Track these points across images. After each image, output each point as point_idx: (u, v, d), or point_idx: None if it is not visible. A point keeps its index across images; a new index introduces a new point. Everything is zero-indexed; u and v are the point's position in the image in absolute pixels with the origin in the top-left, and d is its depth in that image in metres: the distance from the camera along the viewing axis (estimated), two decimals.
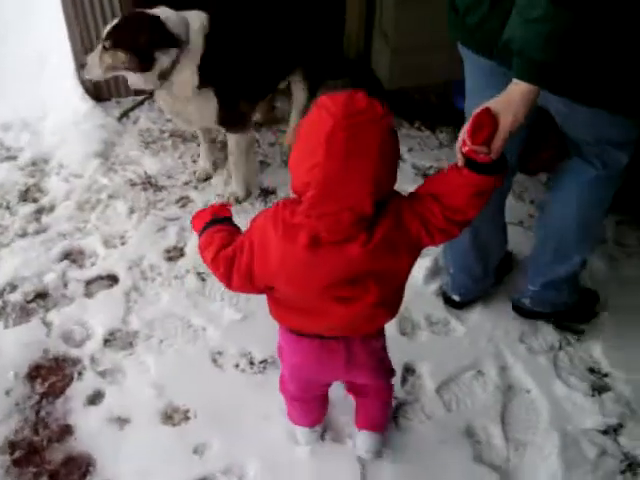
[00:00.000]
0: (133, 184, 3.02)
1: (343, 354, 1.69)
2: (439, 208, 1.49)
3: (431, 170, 3.10)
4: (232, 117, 2.71)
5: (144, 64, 2.41)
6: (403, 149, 3.14)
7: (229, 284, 1.61)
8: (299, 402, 1.95)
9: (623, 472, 2.03)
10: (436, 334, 2.39)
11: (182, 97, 2.56)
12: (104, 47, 2.41)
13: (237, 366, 2.26)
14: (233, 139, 2.81)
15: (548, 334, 2.39)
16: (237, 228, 1.69)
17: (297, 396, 1.93)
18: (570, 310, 2.41)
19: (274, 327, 1.76)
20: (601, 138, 1.92)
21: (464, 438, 2.08)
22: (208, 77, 2.52)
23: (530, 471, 2.02)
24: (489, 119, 1.46)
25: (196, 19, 2.51)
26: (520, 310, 2.44)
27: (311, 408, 1.98)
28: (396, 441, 2.05)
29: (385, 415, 2.01)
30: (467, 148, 1.46)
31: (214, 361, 2.28)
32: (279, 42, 2.77)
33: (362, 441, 2.00)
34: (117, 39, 2.39)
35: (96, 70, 2.46)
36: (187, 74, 2.49)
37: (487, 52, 1.79)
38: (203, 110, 2.63)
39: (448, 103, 3.39)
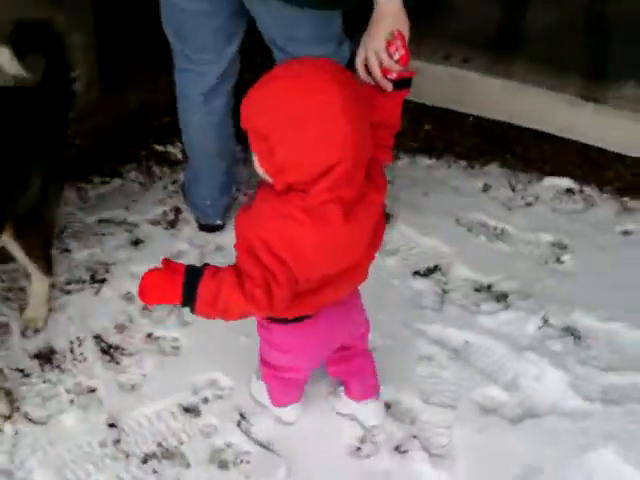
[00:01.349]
0: None
1: (347, 311, 1.72)
2: (386, 132, 1.57)
3: None
4: None
5: None
6: None
7: (271, 306, 1.41)
8: (298, 382, 1.93)
9: None
10: None
11: None
12: None
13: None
14: None
15: None
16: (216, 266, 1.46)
17: (300, 378, 1.92)
18: None
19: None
20: (294, 37, 1.94)
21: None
22: None
23: None
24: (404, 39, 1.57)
25: None
26: None
27: (301, 382, 1.96)
28: None
29: (376, 372, 1.97)
30: (395, 74, 1.56)
31: None
32: None
33: (368, 412, 1.99)
34: None
35: None
36: None
37: None
38: None
39: None
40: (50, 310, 2.25)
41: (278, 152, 1.32)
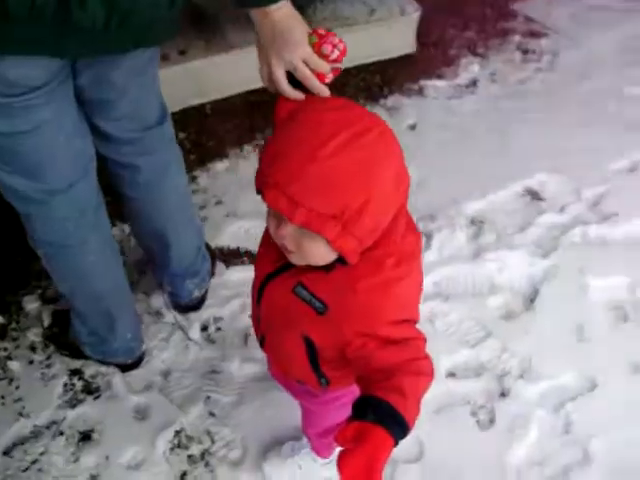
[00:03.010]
0: None
1: None
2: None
3: None
4: None
5: None
6: None
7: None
8: None
9: None
10: None
11: None
12: None
13: None
14: None
15: None
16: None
17: None
18: None
19: None
20: None
21: None
22: None
23: None
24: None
25: None
26: None
27: None
28: None
29: None
30: (331, 75, 1.34)
31: None
32: None
33: None
34: None
35: None
36: None
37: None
38: None
39: None
40: None
41: (365, 215, 1.12)
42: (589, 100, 3.06)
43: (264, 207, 1.17)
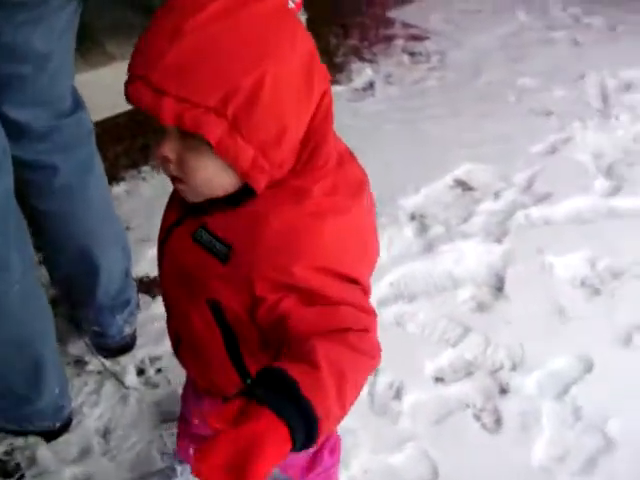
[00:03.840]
0: None
1: None
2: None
3: None
4: None
5: None
6: None
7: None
8: None
9: None
10: None
11: None
12: None
13: None
14: None
15: None
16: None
17: None
18: None
19: None
20: None
21: None
22: None
23: None
24: None
25: None
26: None
27: None
28: None
29: None
30: None
31: None
32: None
33: None
34: None
35: None
36: None
37: None
38: None
39: None
40: None
41: (260, 104, 0.81)
42: (488, 92, 3.00)
43: None
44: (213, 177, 0.87)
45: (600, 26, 3.57)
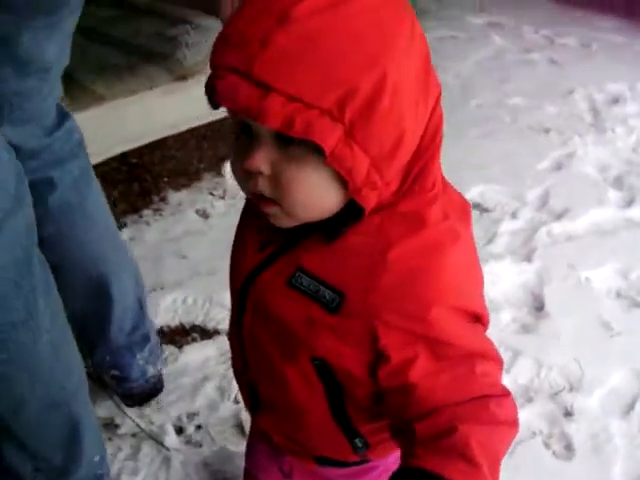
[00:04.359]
0: None
1: None
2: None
3: None
4: None
5: None
6: None
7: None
8: None
9: None
10: None
11: None
12: None
13: None
14: None
15: None
16: None
17: None
18: None
19: None
20: None
21: None
22: None
23: None
24: None
25: None
26: None
27: None
28: None
29: None
30: None
31: None
32: None
33: None
34: None
35: None
36: None
37: None
38: None
39: None
40: None
41: (380, 109, 0.67)
42: (482, 115, 2.96)
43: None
44: (316, 194, 0.72)
45: (575, 45, 3.61)
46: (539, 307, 1.99)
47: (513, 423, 0.72)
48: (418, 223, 0.75)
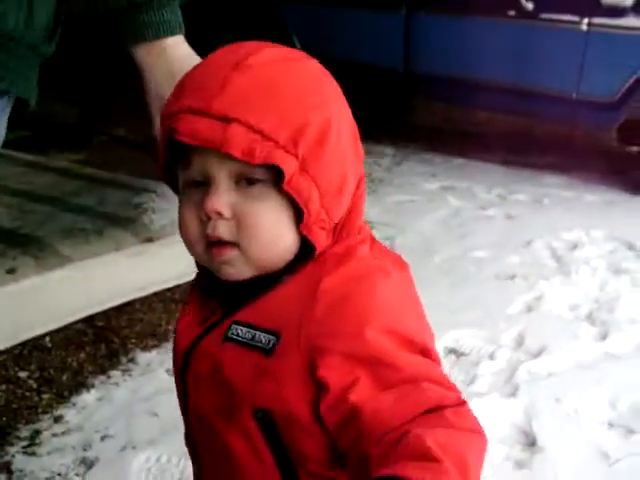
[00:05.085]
0: None
1: None
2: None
3: None
4: None
5: None
6: None
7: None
8: None
9: None
10: None
11: None
12: None
13: None
14: None
15: None
16: None
17: None
18: None
19: None
20: None
21: None
22: None
23: None
24: None
25: None
26: None
27: None
28: None
29: None
30: None
31: None
32: None
33: None
34: None
35: None
36: None
37: None
38: None
39: None
40: None
41: (327, 146, 0.76)
42: (448, 268, 3.00)
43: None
44: (277, 232, 0.76)
45: (527, 201, 3.78)
46: (531, 443, 1.90)
47: (477, 431, 0.69)
48: (348, 257, 0.79)
